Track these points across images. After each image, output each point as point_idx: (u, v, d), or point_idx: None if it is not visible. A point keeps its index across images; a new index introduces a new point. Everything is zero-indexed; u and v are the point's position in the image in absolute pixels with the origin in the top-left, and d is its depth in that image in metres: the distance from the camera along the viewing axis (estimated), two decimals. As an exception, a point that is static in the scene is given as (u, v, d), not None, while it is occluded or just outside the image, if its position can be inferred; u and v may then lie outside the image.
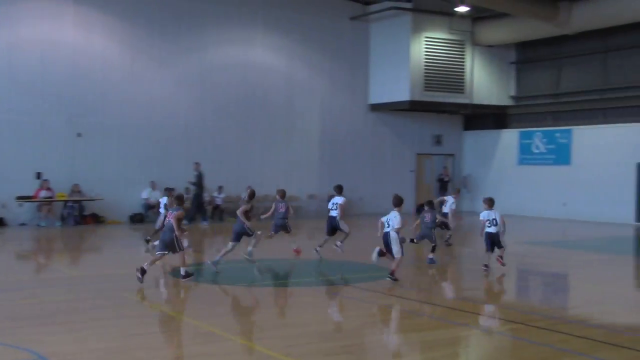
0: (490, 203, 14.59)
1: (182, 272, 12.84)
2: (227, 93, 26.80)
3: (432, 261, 15.40)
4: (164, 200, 17.04)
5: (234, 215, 26.10)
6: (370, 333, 9.66)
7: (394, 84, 28.52)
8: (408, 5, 28.09)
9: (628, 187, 26.08)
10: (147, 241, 17.30)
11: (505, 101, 30.72)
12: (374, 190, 29.20)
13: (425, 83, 28.28)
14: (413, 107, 28.70)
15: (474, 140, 31.98)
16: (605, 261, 17.13)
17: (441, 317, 10.49)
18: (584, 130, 27.86)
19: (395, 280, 12.90)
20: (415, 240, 15.91)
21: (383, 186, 29.00)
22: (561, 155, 28.45)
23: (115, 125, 24.88)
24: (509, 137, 30.54)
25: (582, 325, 9.80)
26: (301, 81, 28.33)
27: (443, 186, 30.84)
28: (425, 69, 28.31)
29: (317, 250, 15.79)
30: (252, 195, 14.89)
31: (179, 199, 13.30)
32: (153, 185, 24.99)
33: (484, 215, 14.53)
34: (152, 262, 12.75)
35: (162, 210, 16.84)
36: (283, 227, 16.13)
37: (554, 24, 26.06)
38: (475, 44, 29.49)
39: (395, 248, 12.93)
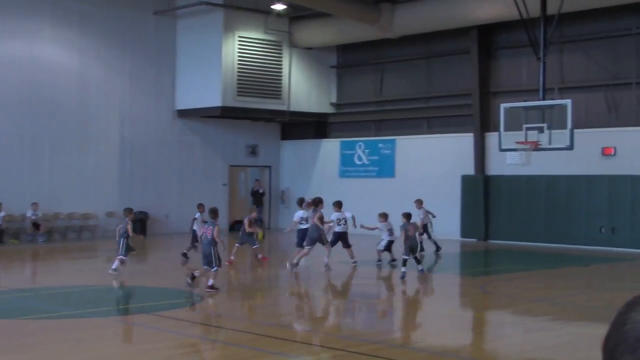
0: (339, 205, 18.00)
1: (210, 282, 14.42)
2: (7, 93, 25.56)
3: (422, 271, 17.25)
4: (198, 215, 19.76)
5: (17, 236, 25.27)
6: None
7: (204, 88, 28.45)
8: (219, 0, 28.16)
9: (453, 201, 27.47)
10: (184, 255, 19.59)
11: (325, 108, 31.53)
12: (181, 206, 28.85)
13: (239, 87, 28.45)
14: (225, 113, 28.76)
15: (293, 151, 32.55)
16: (427, 279, 17.97)
17: (256, 346, 10.54)
18: (408, 141, 29.10)
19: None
20: (404, 256, 16.91)
21: (192, 201, 28.59)
22: (385, 167, 29.57)
23: None
24: (330, 147, 31.37)
25: (404, 349, 10.22)
26: (97, 82, 27.58)
27: (257, 199, 31.11)
28: (239, 72, 28.49)
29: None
30: None
31: (214, 213, 15.16)
32: None
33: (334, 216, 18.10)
34: (201, 274, 14.89)
35: (195, 227, 19.23)
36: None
37: (376, 26, 27.11)
38: (293, 45, 30.05)
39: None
